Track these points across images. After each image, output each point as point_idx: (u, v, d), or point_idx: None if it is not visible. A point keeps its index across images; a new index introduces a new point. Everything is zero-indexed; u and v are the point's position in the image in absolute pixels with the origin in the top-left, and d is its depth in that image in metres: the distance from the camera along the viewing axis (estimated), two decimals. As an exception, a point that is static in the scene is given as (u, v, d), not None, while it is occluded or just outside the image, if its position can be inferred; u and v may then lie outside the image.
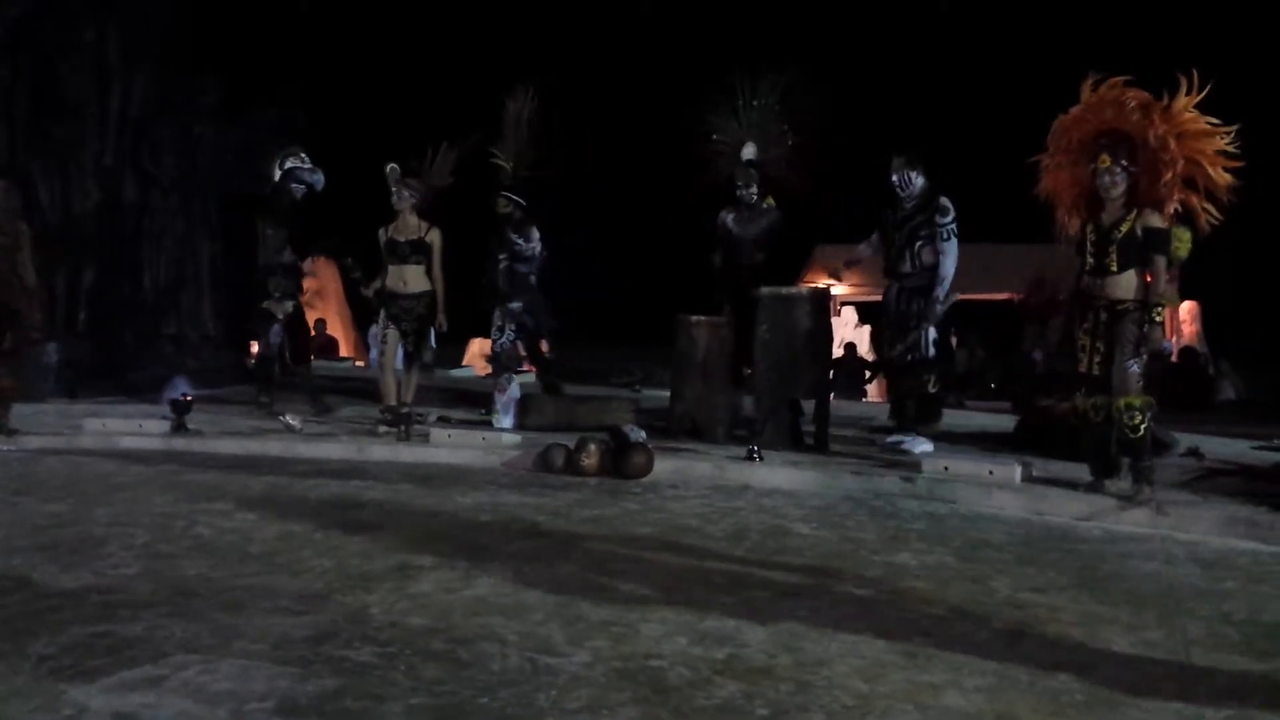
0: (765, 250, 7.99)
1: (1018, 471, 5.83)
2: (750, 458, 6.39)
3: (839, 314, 15.34)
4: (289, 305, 8.76)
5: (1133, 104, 5.42)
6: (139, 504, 5.32)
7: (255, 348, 12.56)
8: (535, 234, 8.74)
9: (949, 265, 6.97)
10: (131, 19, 11.15)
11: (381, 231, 7.81)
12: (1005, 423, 8.25)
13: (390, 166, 7.80)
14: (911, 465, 6.22)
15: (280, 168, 8.60)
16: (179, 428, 7.33)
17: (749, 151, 8.11)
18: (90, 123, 10.86)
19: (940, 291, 7.02)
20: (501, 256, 8.72)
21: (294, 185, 8.58)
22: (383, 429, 7.51)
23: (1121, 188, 5.39)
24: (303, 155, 8.67)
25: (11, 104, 10.53)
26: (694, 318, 7.52)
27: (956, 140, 15.16)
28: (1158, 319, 5.37)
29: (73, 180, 10.67)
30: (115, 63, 11.08)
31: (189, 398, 7.50)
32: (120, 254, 10.93)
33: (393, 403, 7.68)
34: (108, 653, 3.06)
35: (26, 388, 8.02)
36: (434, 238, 7.79)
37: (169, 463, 6.58)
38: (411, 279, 7.71)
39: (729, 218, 8.08)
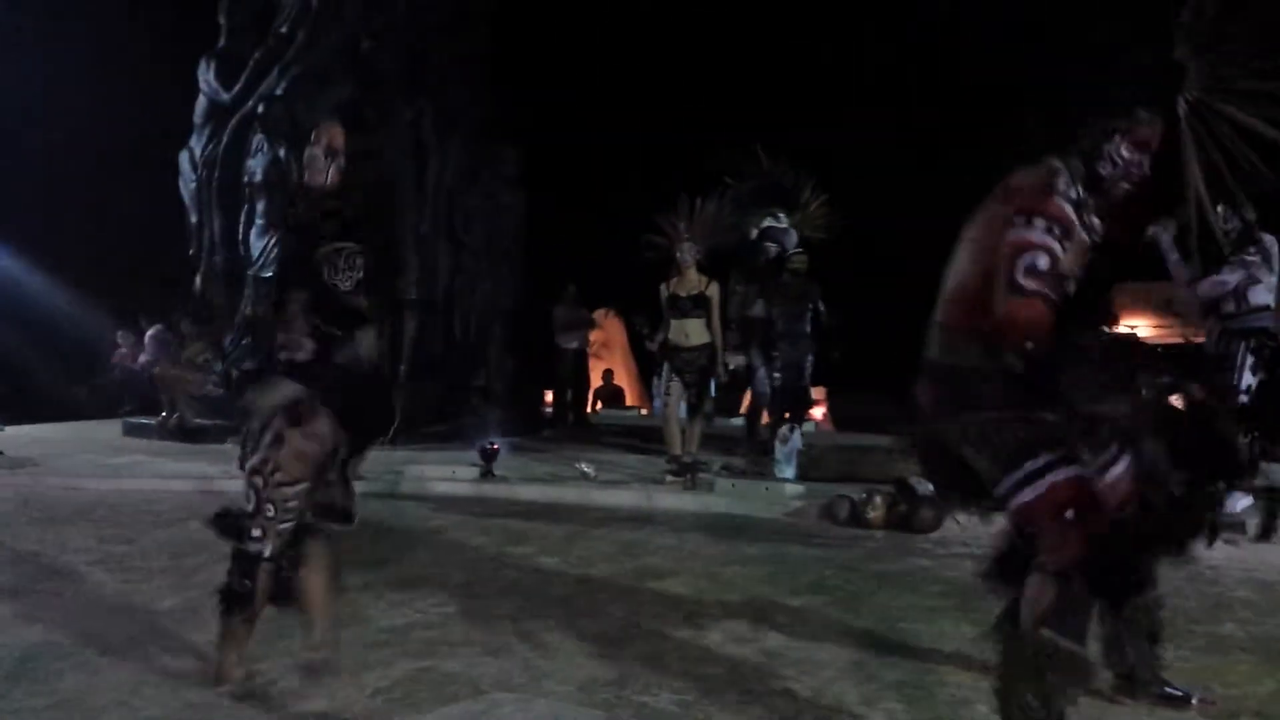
0: None
1: (1364, 536, 5.21)
2: (1048, 514, 6.06)
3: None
4: (741, 358, 9.20)
5: None
6: (454, 546, 5.77)
7: (549, 396, 13.34)
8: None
9: (1216, 282, 6.38)
10: (442, 96, 12.23)
11: (663, 287, 8.11)
12: (1347, 479, 7.38)
13: (681, 225, 8.14)
14: (1234, 526, 5.69)
15: (757, 227, 9.11)
16: (487, 474, 7.89)
17: None
18: (408, 194, 11.97)
19: (1189, 295, 6.54)
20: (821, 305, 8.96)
21: (768, 244, 9.09)
22: (669, 478, 7.73)
23: None
24: (780, 215, 9.14)
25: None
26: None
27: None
28: None
29: (394, 248, 11.78)
30: (429, 138, 12.17)
31: (495, 446, 8.06)
32: (434, 313, 11.94)
33: (678, 452, 7.90)
34: (433, 687, 3.35)
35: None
36: (714, 291, 8.01)
37: (478, 507, 7.09)
38: (693, 332, 7.94)
39: None
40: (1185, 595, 4.60)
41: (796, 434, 8.31)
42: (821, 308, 8.97)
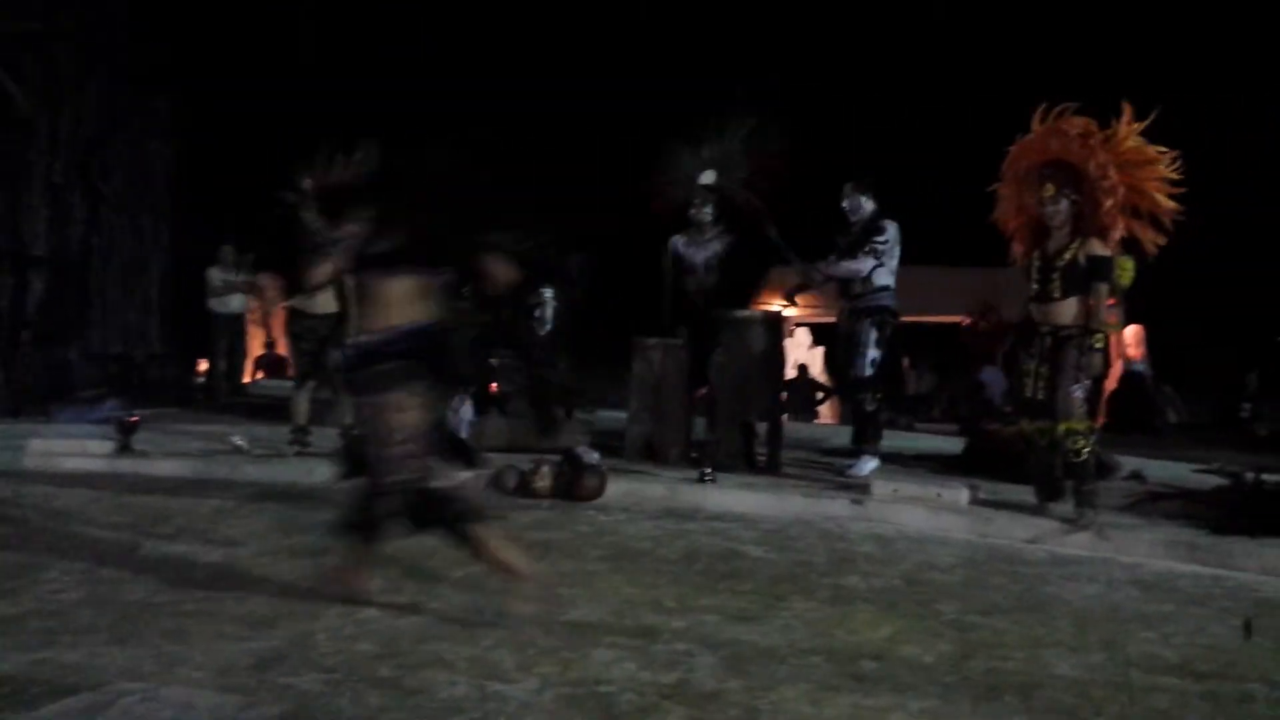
0: (717, 274, 8.02)
1: (965, 494, 5.91)
2: (703, 480, 6.40)
3: (792, 335, 15.46)
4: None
5: (1074, 133, 5.54)
6: (81, 527, 5.23)
7: (203, 365, 12.45)
8: None
9: (852, 268, 7.05)
10: (82, 36, 11.03)
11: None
12: (954, 445, 8.36)
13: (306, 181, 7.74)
14: (861, 487, 6.27)
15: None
16: (124, 449, 7.20)
17: (706, 177, 8.14)
18: (39, 140, 10.71)
19: (822, 271, 7.26)
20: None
21: None
22: (295, 450, 7.35)
23: (1065, 216, 5.51)
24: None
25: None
26: (650, 340, 7.54)
27: (916, 165, 15.41)
28: (1098, 346, 5.49)
29: (20, 197, 10.51)
30: (66, 81, 10.94)
31: (135, 419, 7.38)
32: (68, 272, 10.77)
33: (303, 423, 7.52)
34: (48, 680, 3.00)
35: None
36: None
37: (113, 485, 6.46)
38: (320, 299, 7.49)
39: (679, 241, 8.09)
40: (815, 551, 5.00)
41: (467, 405, 8.23)
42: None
